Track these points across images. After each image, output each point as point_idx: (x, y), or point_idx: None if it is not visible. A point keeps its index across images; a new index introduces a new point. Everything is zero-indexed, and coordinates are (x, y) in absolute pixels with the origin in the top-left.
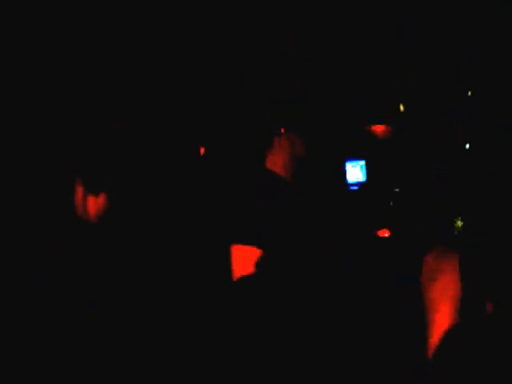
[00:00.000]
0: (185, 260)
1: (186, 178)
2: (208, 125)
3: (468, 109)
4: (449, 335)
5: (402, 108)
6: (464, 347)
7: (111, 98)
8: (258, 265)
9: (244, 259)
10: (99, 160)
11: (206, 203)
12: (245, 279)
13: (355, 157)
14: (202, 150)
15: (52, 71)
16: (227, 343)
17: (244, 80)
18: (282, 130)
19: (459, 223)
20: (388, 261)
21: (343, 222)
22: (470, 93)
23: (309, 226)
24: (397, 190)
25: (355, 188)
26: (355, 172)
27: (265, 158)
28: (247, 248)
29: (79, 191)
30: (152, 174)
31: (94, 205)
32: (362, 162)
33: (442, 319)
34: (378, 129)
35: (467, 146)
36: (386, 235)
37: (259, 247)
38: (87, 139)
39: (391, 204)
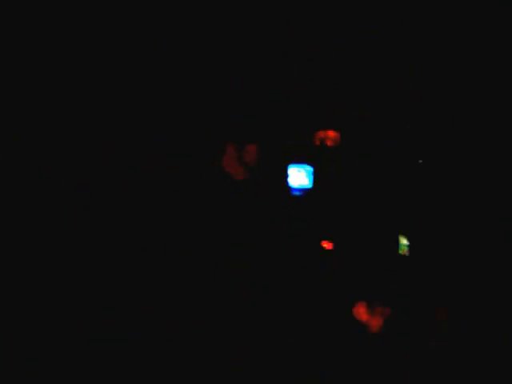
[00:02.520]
0: None
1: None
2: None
3: (422, 123)
4: None
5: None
6: None
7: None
8: None
9: None
10: None
11: None
12: None
13: (302, 161)
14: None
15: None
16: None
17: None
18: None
19: (403, 242)
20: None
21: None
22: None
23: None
24: (344, 198)
25: (298, 193)
26: (300, 177)
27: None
28: None
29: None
30: None
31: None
32: (309, 168)
33: None
34: (329, 134)
35: (420, 160)
36: (327, 246)
37: None
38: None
39: (335, 214)
